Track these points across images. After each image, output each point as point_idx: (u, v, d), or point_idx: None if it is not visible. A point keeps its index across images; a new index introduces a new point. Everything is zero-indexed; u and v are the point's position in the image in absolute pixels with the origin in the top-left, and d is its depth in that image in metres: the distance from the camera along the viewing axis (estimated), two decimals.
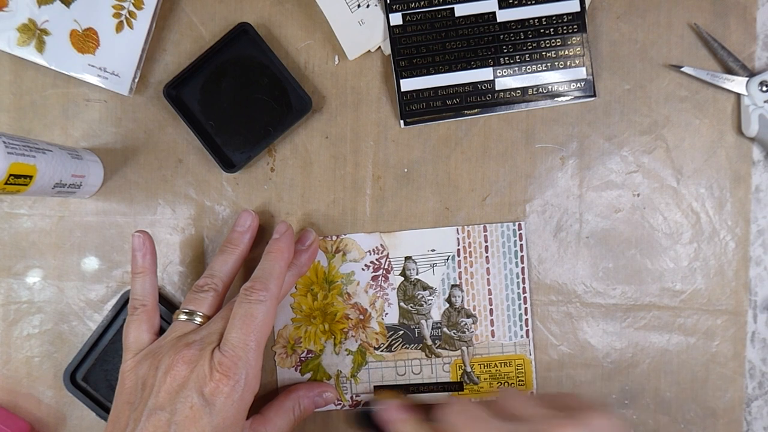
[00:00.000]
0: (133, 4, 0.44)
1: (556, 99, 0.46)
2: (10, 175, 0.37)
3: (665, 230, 0.46)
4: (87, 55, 0.45)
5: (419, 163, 0.47)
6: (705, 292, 0.46)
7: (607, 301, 0.47)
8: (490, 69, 0.46)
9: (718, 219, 0.46)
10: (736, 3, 0.45)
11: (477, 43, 0.45)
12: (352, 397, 0.47)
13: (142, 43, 0.45)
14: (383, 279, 0.47)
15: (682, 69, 0.45)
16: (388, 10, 0.45)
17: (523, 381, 0.47)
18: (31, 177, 0.39)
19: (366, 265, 0.47)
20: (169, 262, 0.48)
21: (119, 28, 0.45)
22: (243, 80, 0.46)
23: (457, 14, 0.45)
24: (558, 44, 0.45)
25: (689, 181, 0.46)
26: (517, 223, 0.46)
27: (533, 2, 0.45)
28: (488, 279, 0.46)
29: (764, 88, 0.44)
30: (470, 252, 0.46)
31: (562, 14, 0.45)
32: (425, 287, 0.47)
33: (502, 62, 0.45)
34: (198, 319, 0.40)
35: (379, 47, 0.46)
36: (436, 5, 0.45)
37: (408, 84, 0.46)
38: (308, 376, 0.47)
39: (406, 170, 0.47)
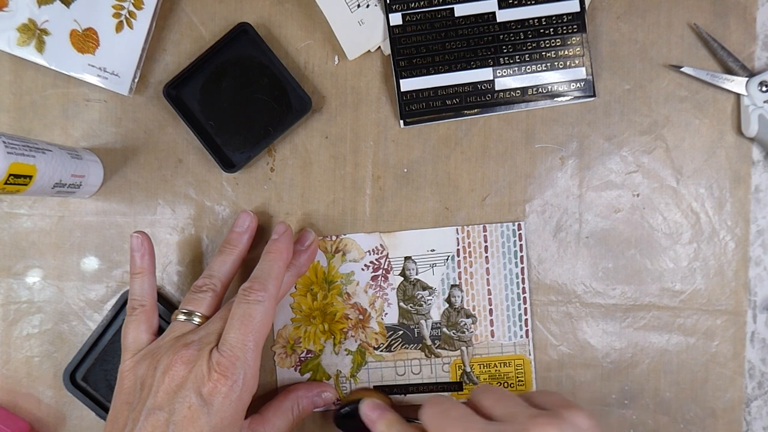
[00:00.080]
0: (133, 4, 0.44)
1: (555, 99, 0.46)
2: (10, 174, 0.37)
3: (665, 230, 0.46)
4: (87, 55, 0.45)
5: (419, 163, 0.47)
6: (705, 292, 0.46)
7: (607, 301, 0.46)
8: (490, 69, 0.46)
9: (718, 219, 0.46)
10: (736, 3, 0.45)
11: (477, 43, 0.45)
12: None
13: (142, 43, 0.45)
14: (383, 279, 0.47)
15: (682, 69, 0.45)
16: (387, 10, 0.45)
17: (522, 381, 0.47)
18: (30, 177, 0.39)
19: (366, 265, 0.47)
20: (169, 262, 0.48)
21: (119, 28, 0.45)
22: (243, 80, 0.46)
23: (456, 14, 0.45)
24: (558, 44, 0.45)
25: (689, 181, 0.46)
26: (516, 223, 0.46)
27: (533, 2, 0.45)
28: (488, 279, 0.46)
29: (764, 89, 0.44)
30: (470, 252, 0.46)
31: (562, 14, 0.45)
32: (425, 287, 0.47)
33: (502, 62, 0.45)
34: (196, 320, 0.41)
35: (379, 47, 0.46)
36: (435, 5, 0.45)
37: (408, 84, 0.46)
38: (308, 376, 0.47)
39: (405, 170, 0.47)
